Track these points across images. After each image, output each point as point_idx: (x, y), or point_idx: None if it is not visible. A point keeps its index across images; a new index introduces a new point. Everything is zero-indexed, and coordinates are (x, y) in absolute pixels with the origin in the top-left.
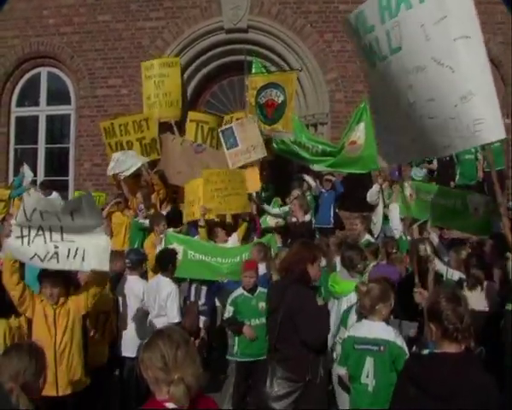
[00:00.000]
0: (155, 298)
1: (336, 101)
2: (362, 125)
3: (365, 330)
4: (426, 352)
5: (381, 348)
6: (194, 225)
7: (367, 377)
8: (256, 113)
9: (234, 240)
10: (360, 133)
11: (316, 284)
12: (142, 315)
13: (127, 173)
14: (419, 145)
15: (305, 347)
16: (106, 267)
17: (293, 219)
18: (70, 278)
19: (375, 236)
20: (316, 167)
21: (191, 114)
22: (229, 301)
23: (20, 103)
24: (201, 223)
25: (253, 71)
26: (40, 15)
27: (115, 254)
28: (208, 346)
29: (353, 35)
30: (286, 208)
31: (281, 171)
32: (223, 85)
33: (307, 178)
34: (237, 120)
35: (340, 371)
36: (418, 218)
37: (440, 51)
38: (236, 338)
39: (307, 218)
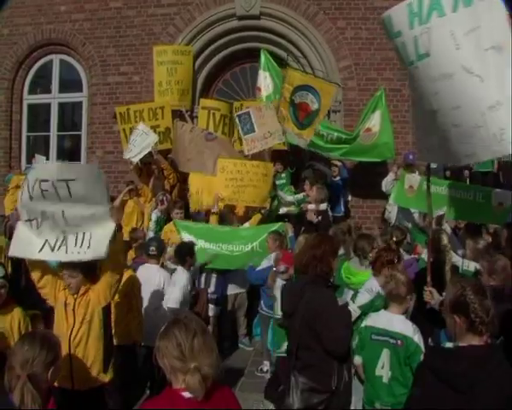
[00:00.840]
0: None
1: (349, 89)
2: (377, 114)
3: (384, 322)
4: (449, 345)
5: (399, 342)
6: (200, 215)
7: (382, 368)
8: (289, 110)
9: None
10: (375, 121)
11: (335, 283)
12: (159, 304)
13: (136, 159)
14: (442, 152)
15: (329, 354)
16: (102, 254)
17: (309, 207)
18: (92, 267)
19: (391, 225)
20: (330, 155)
21: (203, 102)
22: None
23: (32, 91)
24: (215, 209)
25: (262, 61)
26: (52, 2)
27: (140, 247)
28: (218, 335)
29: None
30: (300, 196)
31: (292, 159)
32: (235, 73)
33: (321, 166)
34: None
35: (355, 360)
36: (422, 210)
37: (470, 60)
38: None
39: (323, 206)
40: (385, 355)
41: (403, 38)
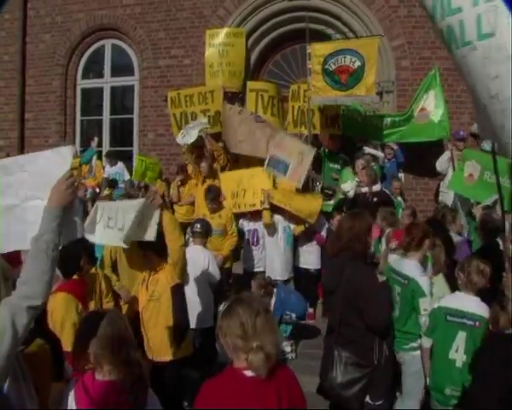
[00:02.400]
0: None
1: (402, 68)
2: (431, 93)
3: (459, 303)
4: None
5: (477, 323)
6: (241, 217)
7: (456, 351)
8: (324, 80)
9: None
10: (430, 100)
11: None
12: (205, 286)
13: (188, 142)
14: (503, 137)
15: (370, 330)
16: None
17: (363, 190)
18: (163, 247)
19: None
20: (386, 141)
21: (250, 84)
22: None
23: (85, 76)
24: (266, 205)
25: None
26: None
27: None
28: None
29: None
30: (354, 182)
31: (344, 143)
32: (285, 54)
33: (371, 150)
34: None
35: (424, 342)
36: (479, 200)
37: None
38: None
39: (376, 188)
40: (460, 338)
41: (462, 16)
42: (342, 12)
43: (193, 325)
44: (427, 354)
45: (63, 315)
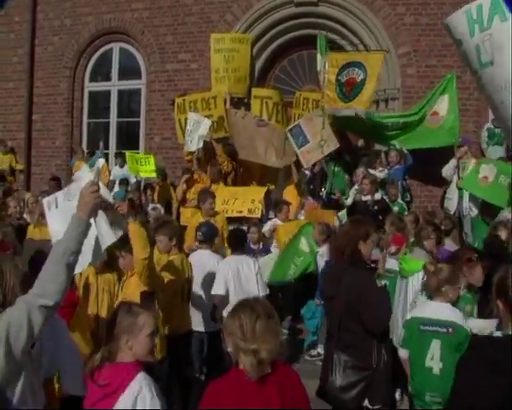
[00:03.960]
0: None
1: (408, 76)
2: (446, 97)
3: (431, 312)
4: (498, 334)
5: (450, 330)
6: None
7: (431, 359)
8: (335, 91)
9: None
10: (443, 104)
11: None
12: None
13: (193, 148)
14: None
15: (370, 334)
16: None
17: (364, 198)
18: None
19: (452, 213)
20: (393, 142)
21: (255, 91)
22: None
23: (92, 79)
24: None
25: (318, 47)
26: None
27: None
28: None
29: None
30: (353, 190)
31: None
32: (292, 60)
33: (373, 172)
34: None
35: (401, 353)
36: (493, 203)
37: None
38: None
39: (378, 196)
40: (435, 346)
41: (464, 47)
42: (349, 19)
43: (202, 327)
44: (406, 364)
45: None
